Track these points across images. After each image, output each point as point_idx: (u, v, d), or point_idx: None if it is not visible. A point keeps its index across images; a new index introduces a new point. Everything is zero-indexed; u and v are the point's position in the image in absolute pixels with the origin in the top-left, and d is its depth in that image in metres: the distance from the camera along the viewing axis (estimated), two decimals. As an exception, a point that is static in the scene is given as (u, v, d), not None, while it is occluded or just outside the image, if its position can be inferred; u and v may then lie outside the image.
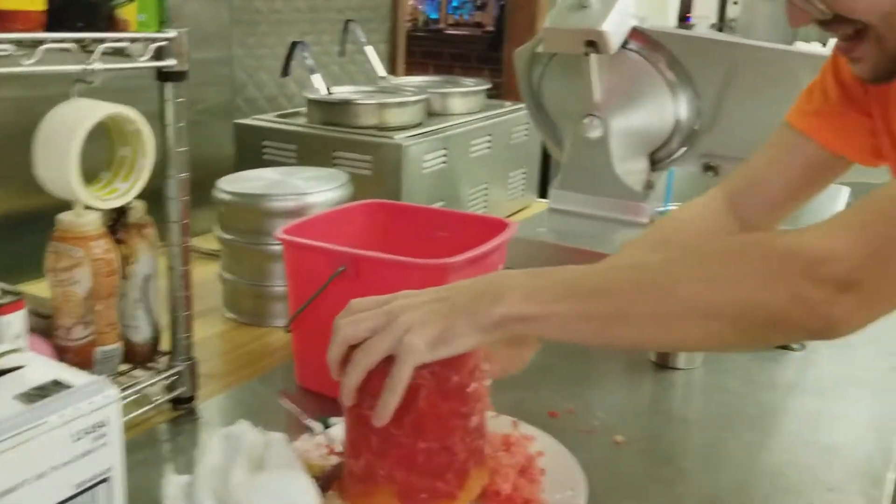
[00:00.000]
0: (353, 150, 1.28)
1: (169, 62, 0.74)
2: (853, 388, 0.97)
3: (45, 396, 0.53)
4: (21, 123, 0.77)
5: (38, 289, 0.83)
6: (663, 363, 1.00)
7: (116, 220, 0.81)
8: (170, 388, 0.86)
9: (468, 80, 1.67)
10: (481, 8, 4.69)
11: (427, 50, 4.39)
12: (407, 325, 0.59)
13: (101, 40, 0.67)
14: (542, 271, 0.62)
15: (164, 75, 0.75)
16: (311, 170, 1.17)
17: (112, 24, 0.69)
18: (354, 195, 1.10)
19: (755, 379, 0.97)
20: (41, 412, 0.52)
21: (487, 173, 1.49)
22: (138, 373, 0.86)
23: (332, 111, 1.36)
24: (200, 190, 1.10)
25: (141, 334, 0.86)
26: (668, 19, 2.95)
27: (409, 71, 2.09)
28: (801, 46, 1.25)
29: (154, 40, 0.72)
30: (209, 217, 1.14)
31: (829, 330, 0.56)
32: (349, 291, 0.69)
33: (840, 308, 0.54)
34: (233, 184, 1.10)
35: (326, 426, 0.78)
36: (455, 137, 1.38)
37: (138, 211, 0.82)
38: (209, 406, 0.89)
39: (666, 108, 1.26)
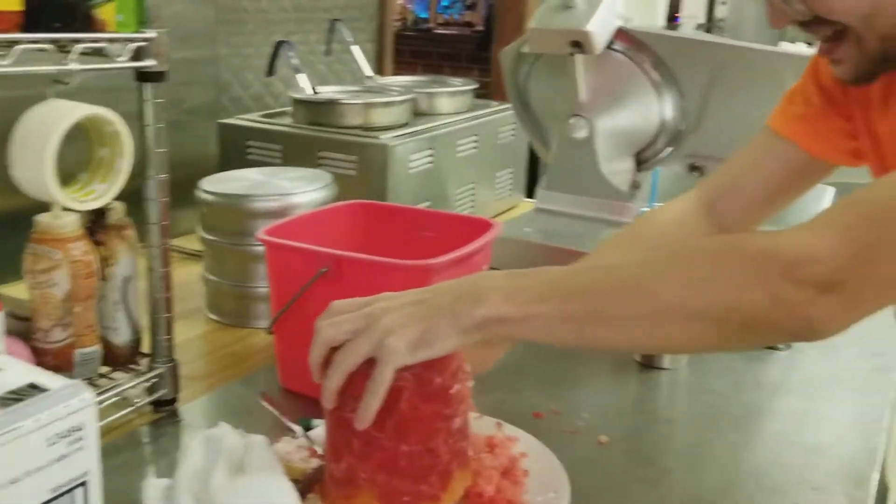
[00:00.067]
0: (339, 151, 1.27)
1: (148, 63, 0.73)
2: (838, 389, 0.97)
3: (19, 400, 0.53)
4: (-2, 124, 0.76)
5: (16, 290, 0.82)
6: (648, 363, 1.00)
7: (95, 222, 0.80)
8: (151, 390, 0.85)
9: (455, 80, 1.66)
10: (471, 7, 4.68)
11: (416, 49, 4.38)
12: (387, 327, 0.58)
13: (78, 41, 0.66)
14: (524, 272, 0.61)
15: (143, 76, 0.74)
16: (295, 170, 1.16)
17: (90, 24, 0.69)
18: (340, 196, 1.10)
19: (740, 379, 0.98)
20: (15, 416, 0.51)
21: (474, 173, 1.49)
22: (119, 375, 0.85)
23: (318, 111, 1.35)
24: (184, 190, 1.10)
25: (121, 336, 0.85)
26: (656, 19, 2.96)
27: (398, 70, 2.09)
28: (786, 47, 1.25)
29: (132, 41, 0.71)
30: (193, 217, 1.13)
31: (810, 332, 0.55)
32: (331, 293, 0.68)
33: (821, 309, 0.54)
34: (216, 184, 1.09)
35: (308, 428, 0.77)
36: (441, 137, 1.37)
37: (117, 212, 0.81)
38: (191, 408, 0.88)
39: (651, 109, 1.26)
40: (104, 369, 0.85)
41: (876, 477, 0.78)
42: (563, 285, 0.59)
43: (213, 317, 1.12)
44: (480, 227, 0.90)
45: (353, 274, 0.80)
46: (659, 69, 1.22)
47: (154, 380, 0.85)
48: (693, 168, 1.30)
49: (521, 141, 1.61)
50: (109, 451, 0.78)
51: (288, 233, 0.87)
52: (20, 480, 0.51)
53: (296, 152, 1.31)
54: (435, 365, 0.61)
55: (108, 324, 0.84)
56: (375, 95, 1.42)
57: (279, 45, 1.44)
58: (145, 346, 0.87)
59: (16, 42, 0.63)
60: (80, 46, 0.66)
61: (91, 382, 0.83)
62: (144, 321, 0.86)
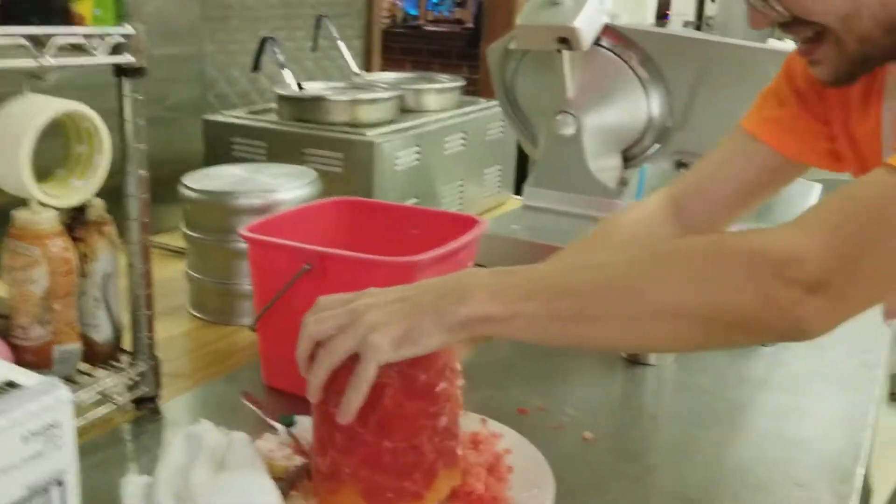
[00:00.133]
0: (324, 147, 1.27)
1: (126, 58, 0.72)
2: (823, 385, 0.97)
3: (-7, 398, 0.52)
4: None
5: (-3, 288, 0.81)
6: (634, 359, 1.00)
7: (74, 218, 0.79)
8: (132, 387, 0.84)
9: (443, 77, 1.66)
10: (461, 5, 4.68)
11: (406, 47, 4.38)
12: (371, 323, 0.58)
13: (55, 35, 0.65)
14: (510, 270, 0.61)
15: (121, 71, 0.73)
16: (279, 167, 1.16)
17: (67, 18, 0.68)
18: (326, 193, 1.09)
19: (726, 375, 0.98)
20: (-11, 413, 0.50)
21: (462, 170, 1.49)
22: (100, 372, 0.84)
23: (303, 107, 1.34)
24: (169, 187, 1.09)
25: (101, 333, 0.84)
26: (645, 17, 2.96)
27: (387, 68, 2.08)
28: (773, 44, 1.25)
29: (110, 36, 0.70)
30: (178, 214, 1.12)
31: (798, 332, 0.55)
32: (315, 290, 0.68)
33: (810, 309, 0.53)
34: (199, 181, 1.08)
35: (290, 425, 0.77)
36: (428, 134, 1.37)
37: (97, 209, 0.80)
38: (174, 406, 0.88)
39: (639, 106, 1.26)
40: (85, 366, 0.84)
41: (861, 473, 0.78)
42: (548, 284, 0.59)
43: (197, 314, 1.11)
44: (466, 223, 0.90)
45: (337, 271, 0.80)
46: (646, 66, 1.22)
47: (136, 377, 0.84)
48: (680, 165, 1.30)
49: (509, 138, 1.61)
50: (91, 449, 0.78)
51: (271, 230, 0.86)
52: (-7, 478, 0.50)
53: (281, 149, 1.30)
54: (420, 362, 0.60)
55: (89, 321, 0.83)
56: (362, 92, 1.42)
57: (264, 41, 1.43)
58: (127, 344, 0.87)
59: (-9, 36, 0.62)
60: (56, 41, 0.65)
61: (71, 380, 0.82)
62: (126, 318, 0.86)
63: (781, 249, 0.54)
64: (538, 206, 1.36)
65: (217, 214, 1.05)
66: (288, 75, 1.41)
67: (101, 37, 0.69)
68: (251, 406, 0.84)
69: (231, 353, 1.02)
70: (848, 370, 1.00)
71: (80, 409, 0.79)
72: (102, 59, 0.70)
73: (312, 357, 0.61)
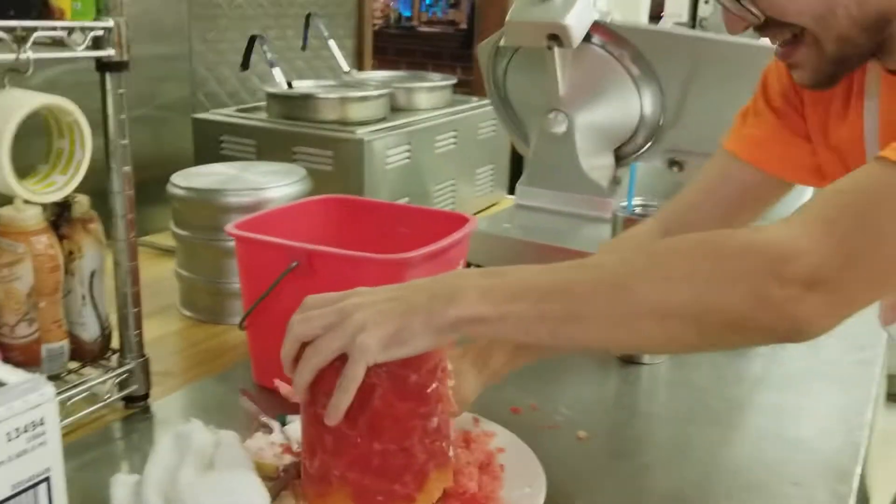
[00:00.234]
0: (314, 145, 1.26)
1: (108, 52, 0.71)
2: (820, 383, 0.96)
3: (-24, 395, 0.51)
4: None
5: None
6: (628, 358, 0.99)
7: (60, 215, 0.79)
8: (122, 386, 0.84)
9: (434, 76, 1.65)
10: (455, 6, 4.67)
11: (400, 47, 4.37)
12: (360, 323, 0.57)
13: (34, 29, 0.64)
14: (501, 270, 0.60)
15: (103, 66, 0.72)
16: (268, 165, 1.15)
17: (46, 12, 0.67)
18: (316, 191, 1.08)
19: (721, 373, 0.97)
20: (-30, 411, 0.50)
21: (454, 169, 1.48)
22: (88, 371, 0.84)
23: (292, 105, 1.33)
24: (159, 187, 1.08)
25: (89, 332, 0.84)
26: (639, 17, 2.96)
27: (381, 68, 2.07)
28: (766, 41, 1.25)
29: (90, 29, 0.69)
30: (168, 214, 1.11)
31: (796, 332, 0.53)
32: (303, 288, 0.67)
33: (808, 308, 0.51)
34: (187, 179, 1.07)
35: (284, 424, 0.76)
36: (419, 133, 1.36)
37: (82, 205, 0.80)
38: (164, 404, 0.87)
39: (631, 103, 1.25)
40: (74, 365, 0.84)
41: (859, 472, 0.77)
42: (538, 284, 0.58)
43: (187, 313, 1.10)
44: (456, 222, 0.89)
45: (325, 268, 0.79)
46: (638, 63, 1.22)
47: (124, 375, 0.83)
48: (672, 163, 1.30)
49: (501, 137, 1.60)
50: (80, 448, 0.77)
51: (259, 227, 0.85)
52: (-23, 476, 0.49)
53: (271, 147, 1.30)
54: (410, 362, 0.59)
55: (76, 319, 0.82)
56: (351, 90, 1.41)
57: (253, 39, 1.42)
58: (116, 342, 0.86)
59: (-31, 30, 0.61)
60: (35, 35, 0.64)
61: (60, 378, 0.81)
62: (114, 317, 0.85)
63: (776, 246, 0.53)
64: (531, 205, 1.36)
65: (205, 213, 1.04)
66: (278, 73, 1.40)
67: (82, 31, 0.68)
68: (248, 403, 0.83)
69: (221, 351, 1.01)
70: (845, 368, 1.00)
71: (68, 408, 0.78)
72: (83, 52, 0.69)
73: (297, 358, 0.60)
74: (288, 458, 0.70)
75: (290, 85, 1.41)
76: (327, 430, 0.59)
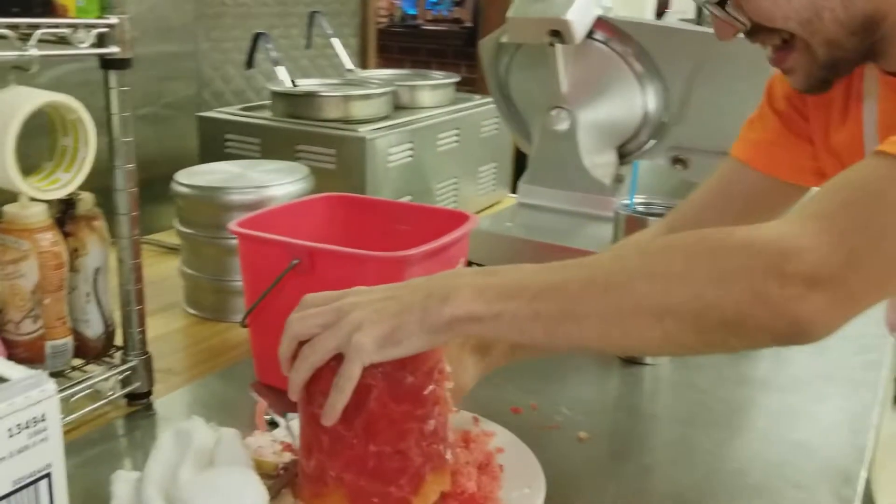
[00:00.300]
0: (317, 144, 1.26)
1: (111, 49, 0.72)
2: (825, 385, 0.95)
3: (-22, 391, 0.51)
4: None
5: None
6: (630, 359, 0.99)
7: (64, 213, 0.79)
8: (125, 383, 0.84)
9: (437, 74, 1.65)
10: (459, 4, 4.67)
11: (404, 45, 4.37)
12: (356, 322, 0.57)
13: (37, 26, 0.64)
14: (496, 270, 0.59)
15: (107, 63, 0.72)
16: (272, 163, 1.15)
17: (50, 9, 0.67)
18: (319, 189, 1.08)
19: (724, 374, 0.96)
20: (-28, 407, 0.50)
21: (456, 167, 1.48)
22: (92, 368, 0.84)
23: (296, 104, 1.34)
24: (165, 185, 1.09)
25: (93, 329, 0.84)
26: (644, 12, 2.95)
27: (386, 66, 2.07)
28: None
29: (94, 26, 0.69)
30: (173, 211, 1.12)
31: (799, 332, 0.50)
32: (304, 285, 0.67)
33: (810, 307, 0.49)
34: (191, 177, 1.08)
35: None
36: (422, 131, 1.36)
37: (87, 203, 0.80)
38: (167, 402, 0.87)
39: (634, 100, 1.25)
40: (77, 362, 0.84)
41: (864, 476, 0.76)
42: (533, 282, 0.57)
43: (192, 311, 1.11)
44: (457, 219, 0.89)
45: (326, 266, 0.79)
46: (642, 60, 1.22)
47: (127, 372, 0.84)
48: (676, 161, 1.29)
49: (504, 135, 1.60)
50: (83, 444, 0.78)
51: (261, 225, 0.86)
52: (-22, 472, 0.50)
53: (274, 146, 1.30)
54: (407, 364, 0.59)
55: (80, 316, 0.83)
56: (355, 88, 1.41)
57: (257, 37, 1.43)
58: (119, 340, 0.86)
59: (-28, 28, 0.62)
60: (39, 32, 0.64)
61: (63, 375, 0.82)
62: (118, 314, 0.85)
63: (776, 243, 0.51)
64: (533, 203, 1.36)
65: (209, 210, 1.05)
66: (282, 72, 1.40)
67: (86, 28, 0.68)
68: (258, 398, 0.83)
69: (225, 349, 1.01)
70: (851, 371, 0.98)
71: (72, 405, 0.79)
72: (87, 50, 0.69)
73: (294, 357, 0.60)
74: (288, 456, 0.70)
75: (294, 83, 1.42)
76: (324, 430, 0.59)
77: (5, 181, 0.67)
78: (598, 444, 0.81)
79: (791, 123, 0.83)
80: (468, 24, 4.48)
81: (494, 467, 0.70)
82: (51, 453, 0.54)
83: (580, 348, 0.58)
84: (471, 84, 2.01)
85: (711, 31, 0.81)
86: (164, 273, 1.20)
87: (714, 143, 0.95)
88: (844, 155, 0.77)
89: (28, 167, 0.72)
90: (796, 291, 0.49)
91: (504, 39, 1.27)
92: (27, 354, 0.78)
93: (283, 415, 0.76)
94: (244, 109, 1.43)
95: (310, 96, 1.33)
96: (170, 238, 1.30)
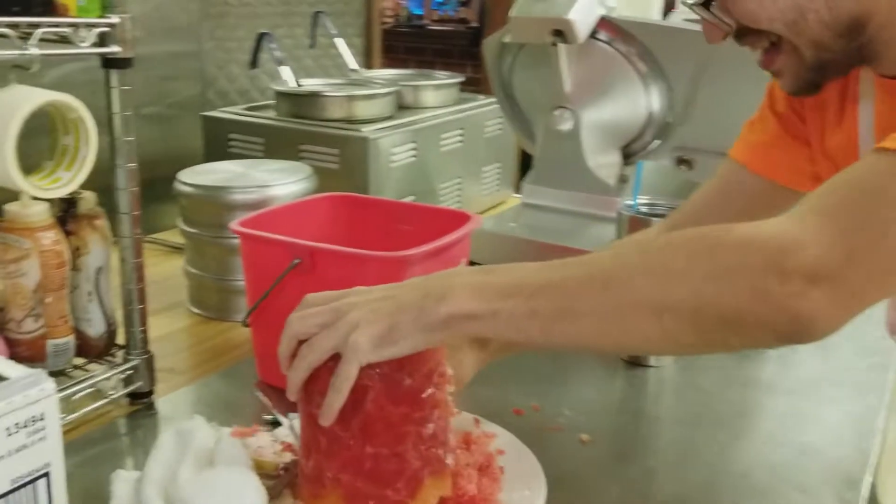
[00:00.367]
0: (320, 143, 1.26)
1: (113, 49, 0.72)
2: (831, 388, 0.94)
3: (-24, 390, 0.51)
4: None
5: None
6: (634, 360, 0.98)
7: (66, 211, 0.79)
8: (127, 382, 0.84)
9: (441, 74, 1.65)
10: (466, 4, 4.67)
11: (409, 46, 4.37)
12: (353, 322, 0.57)
13: (38, 25, 0.64)
14: (494, 268, 0.59)
15: (108, 62, 0.73)
16: (275, 162, 1.15)
17: (51, 9, 0.67)
18: (321, 189, 1.08)
19: (730, 377, 0.96)
20: (-29, 406, 0.50)
21: (460, 167, 1.48)
22: (94, 367, 0.84)
23: (300, 103, 1.34)
24: (170, 184, 1.09)
25: (95, 328, 0.84)
26: (651, 12, 2.94)
27: (391, 66, 2.08)
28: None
29: (95, 26, 0.69)
30: (178, 210, 1.12)
31: (800, 330, 0.49)
32: (306, 285, 0.67)
33: (811, 303, 0.48)
34: (194, 176, 1.08)
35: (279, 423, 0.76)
36: (425, 131, 1.36)
37: (88, 202, 0.80)
38: (169, 401, 0.87)
39: (638, 101, 1.25)
40: (79, 361, 0.84)
41: (868, 480, 0.76)
42: (531, 280, 0.56)
43: (196, 310, 1.11)
44: (459, 220, 0.89)
45: (327, 266, 0.79)
46: (645, 60, 1.21)
47: (129, 372, 0.84)
48: (681, 161, 1.28)
49: (509, 135, 1.60)
50: (84, 443, 0.78)
51: (264, 225, 0.86)
52: (-24, 470, 0.50)
53: (278, 145, 1.30)
54: (405, 366, 0.59)
55: (82, 315, 0.83)
56: (358, 88, 1.41)
57: (261, 37, 1.43)
58: (122, 339, 0.86)
59: (-28, 27, 0.62)
60: (40, 31, 0.64)
61: (65, 374, 0.82)
62: (121, 313, 0.85)
63: (776, 239, 0.50)
64: (537, 203, 1.35)
65: (212, 210, 1.05)
66: (286, 72, 1.40)
67: (87, 27, 0.68)
68: (263, 398, 0.83)
69: (228, 348, 1.01)
70: (857, 374, 0.98)
71: (73, 404, 0.79)
72: (88, 49, 0.69)
73: (293, 357, 0.60)
74: (288, 456, 0.70)
75: (298, 83, 1.42)
76: (321, 430, 0.59)
77: (6, 180, 0.67)
78: (601, 446, 0.80)
79: (790, 126, 0.83)
80: (474, 24, 4.47)
81: (495, 469, 0.69)
82: (49, 452, 0.54)
83: (578, 347, 0.57)
84: (476, 84, 2.00)
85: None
86: (168, 272, 1.20)
87: (719, 143, 0.94)
88: (839, 158, 0.76)
89: (29, 166, 0.72)
90: (797, 288, 0.49)
91: (507, 39, 1.27)
92: (29, 353, 0.78)
93: (286, 414, 0.77)
94: (248, 109, 1.43)
95: (313, 96, 1.33)
96: (174, 237, 1.30)
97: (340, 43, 1.60)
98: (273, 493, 0.64)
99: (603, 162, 1.31)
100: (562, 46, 1.17)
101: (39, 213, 0.75)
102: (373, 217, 0.97)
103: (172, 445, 0.67)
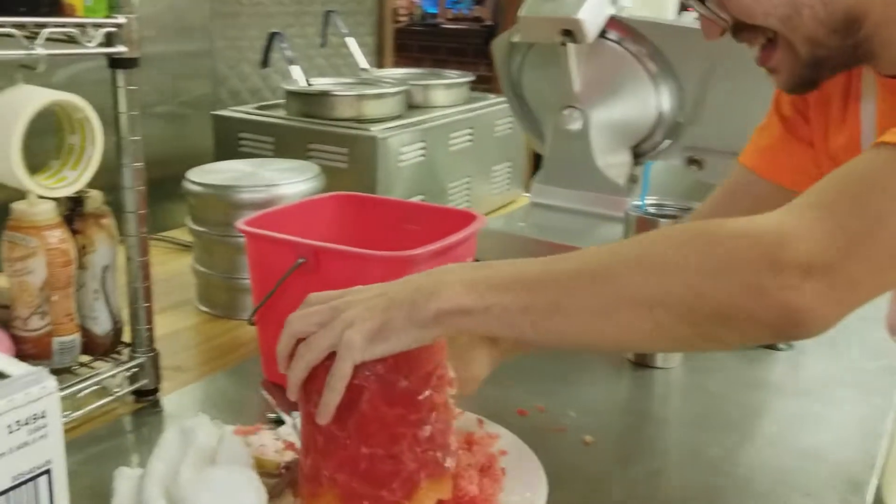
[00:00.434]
0: (329, 143, 1.26)
1: (119, 49, 0.72)
2: (839, 390, 0.93)
3: (-23, 388, 0.52)
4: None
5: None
6: (641, 362, 0.97)
7: (73, 210, 0.80)
8: (132, 379, 0.84)
9: (452, 73, 1.65)
10: (480, 2, 4.67)
11: (424, 44, 4.38)
12: (349, 320, 0.57)
13: (44, 25, 0.65)
14: (489, 264, 0.59)
15: (114, 62, 0.73)
16: (283, 162, 1.16)
17: (57, 9, 0.68)
18: (330, 188, 1.08)
19: (737, 379, 0.95)
20: (-29, 403, 0.50)
21: (469, 167, 1.47)
22: (100, 364, 0.85)
23: (310, 103, 1.34)
24: (180, 182, 1.09)
25: (101, 326, 0.85)
26: (665, 13, 2.92)
27: (404, 65, 2.08)
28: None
29: (101, 26, 0.70)
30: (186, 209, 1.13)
31: (794, 323, 0.49)
32: (310, 284, 0.67)
33: (805, 296, 0.48)
34: (203, 175, 1.08)
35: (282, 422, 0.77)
36: (434, 130, 1.36)
37: (95, 200, 0.81)
38: (175, 398, 0.88)
39: (648, 100, 1.24)
40: (85, 358, 0.85)
41: (874, 484, 0.75)
42: (524, 275, 0.56)
43: (204, 308, 1.11)
44: (465, 219, 0.89)
45: (331, 265, 0.79)
46: (655, 59, 1.20)
47: (135, 369, 0.84)
48: (692, 161, 1.27)
49: (519, 134, 1.59)
50: (90, 440, 0.79)
51: (270, 224, 0.86)
52: (-23, 467, 0.50)
53: (287, 144, 1.30)
54: (402, 367, 0.59)
55: (88, 313, 0.84)
56: (368, 87, 1.41)
57: (272, 36, 1.43)
58: (128, 337, 0.87)
59: (-22, 26, 0.62)
60: (46, 31, 0.65)
61: (71, 371, 0.82)
62: (127, 311, 0.86)
63: (771, 232, 0.50)
64: (546, 203, 1.35)
65: (220, 209, 1.05)
66: (296, 71, 1.41)
67: (93, 27, 0.69)
68: (268, 397, 0.83)
69: (235, 347, 1.02)
70: (866, 375, 0.97)
71: (79, 401, 0.79)
72: (94, 49, 0.70)
73: (292, 355, 0.60)
74: (290, 455, 0.70)
75: (308, 82, 1.42)
76: (319, 429, 0.59)
77: (12, 179, 0.68)
78: (604, 447, 0.80)
79: (795, 128, 0.83)
80: (488, 23, 4.48)
81: (496, 470, 0.69)
82: (51, 450, 0.55)
83: (572, 343, 0.56)
84: (489, 83, 1.99)
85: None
86: (177, 270, 1.21)
87: (729, 143, 0.94)
88: (842, 158, 0.76)
89: (37, 165, 0.72)
90: (790, 280, 0.48)
91: (516, 39, 1.27)
92: (35, 350, 0.79)
93: (290, 413, 0.77)
94: (260, 108, 1.44)
95: (323, 95, 1.33)
96: (184, 235, 1.31)
97: (351, 42, 1.60)
98: (273, 493, 0.64)
99: (612, 161, 1.30)
100: (571, 46, 1.16)
101: (46, 211, 0.75)
102: (379, 216, 0.97)
103: (175, 443, 0.68)
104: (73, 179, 0.72)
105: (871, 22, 0.64)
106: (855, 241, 0.49)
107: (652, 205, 1.00)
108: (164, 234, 1.37)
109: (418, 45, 4.35)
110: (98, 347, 0.85)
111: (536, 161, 1.72)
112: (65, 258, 0.78)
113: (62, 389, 0.76)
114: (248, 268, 0.88)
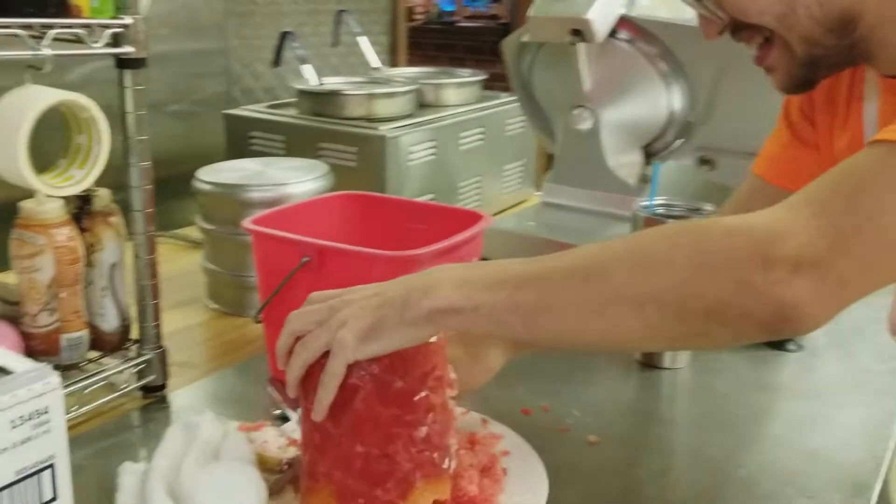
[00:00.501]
0: (339, 142, 1.27)
1: (126, 49, 0.73)
2: (846, 392, 0.93)
3: (-18, 383, 0.53)
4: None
5: (11, 278, 0.83)
6: (648, 362, 0.97)
7: (81, 208, 0.81)
8: (139, 375, 0.85)
9: (464, 71, 1.64)
10: (497, 0, 4.66)
11: (439, 43, 4.38)
12: (343, 319, 0.57)
13: (51, 26, 0.66)
14: (483, 263, 0.59)
15: (121, 63, 0.74)
16: (293, 160, 1.16)
17: (64, 9, 0.69)
18: (339, 187, 1.09)
19: (744, 380, 0.94)
20: (-25, 398, 0.51)
21: (480, 166, 1.47)
22: (108, 361, 0.86)
23: (320, 102, 1.34)
24: (192, 180, 1.10)
25: (109, 322, 0.86)
26: (683, 12, 2.89)
27: (420, 64, 2.07)
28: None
29: (108, 27, 0.70)
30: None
31: (784, 320, 0.48)
32: (314, 283, 0.68)
33: (795, 292, 0.47)
34: (212, 174, 1.09)
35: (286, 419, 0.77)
36: (444, 129, 1.36)
37: (103, 199, 0.82)
38: (182, 395, 0.89)
39: (659, 100, 1.23)
40: (94, 355, 0.86)
41: (878, 487, 0.74)
42: (515, 274, 0.56)
43: (213, 305, 1.12)
44: (472, 219, 0.89)
45: (336, 264, 0.79)
46: (666, 59, 1.20)
47: (142, 365, 0.85)
48: (703, 161, 1.26)
49: (531, 133, 1.58)
50: (97, 435, 0.79)
51: (277, 223, 0.86)
52: (-19, 462, 0.51)
53: (298, 143, 1.31)
54: (397, 368, 0.59)
55: (96, 310, 0.85)
56: (379, 86, 1.41)
57: (284, 35, 1.44)
58: (136, 334, 0.88)
59: (-15, 27, 0.63)
60: (53, 32, 0.66)
61: (79, 367, 0.83)
62: (135, 308, 0.87)
63: (761, 229, 0.49)
64: (557, 202, 1.34)
65: (229, 207, 1.06)
66: (308, 70, 1.41)
67: (100, 28, 0.70)
68: (274, 394, 0.84)
69: (243, 344, 1.03)
70: (874, 377, 0.96)
71: (86, 396, 0.80)
72: (101, 50, 0.70)
73: (291, 353, 0.60)
74: (293, 451, 0.71)
75: (321, 81, 1.42)
76: (315, 426, 0.60)
77: (19, 179, 0.69)
78: (608, 448, 0.79)
79: (801, 133, 0.83)
80: (505, 21, 4.46)
81: (498, 471, 0.69)
82: (54, 445, 0.55)
83: (563, 342, 0.56)
84: (505, 80, 1.99)
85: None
86: (187, 268, 1.22)
87: (741, 143, 0.93)
88: (843, 159, 0.75)
89: (45, 164, 0.73)
90: (780, 276, 0.48)
91: (526, 38, 1.26)
92: (43, 346, 0.80)
93: (295, 410, 0.77)
94: (272, 107, 1.44)
95: (333, 94, 1.34)
96: (195, 233, 1.32)
97: (363, 41, 1.60)
98: (274, 489, 0.65)
99: (623, 161, 1.29)
100: (581, 46, 1.16)
101: (54, 210, 0.76)
102: (385, 216, 0.97)
103: (179, 439, 0.68)
104: (80, 178, 0.73)
105: (867, 22, 0.64)
106: (845, 238, 0.49)
107: (660, 205, 1.00)
108: (176, 231, 1.38)
109: (434, 43, 4.35)
110: (106, 344, 0.86)
111: (549, 160, 1.72)
112: (72, 256, 0.78)
113: (70, 385, 0.77)
114: (255, 266, 0.88)
